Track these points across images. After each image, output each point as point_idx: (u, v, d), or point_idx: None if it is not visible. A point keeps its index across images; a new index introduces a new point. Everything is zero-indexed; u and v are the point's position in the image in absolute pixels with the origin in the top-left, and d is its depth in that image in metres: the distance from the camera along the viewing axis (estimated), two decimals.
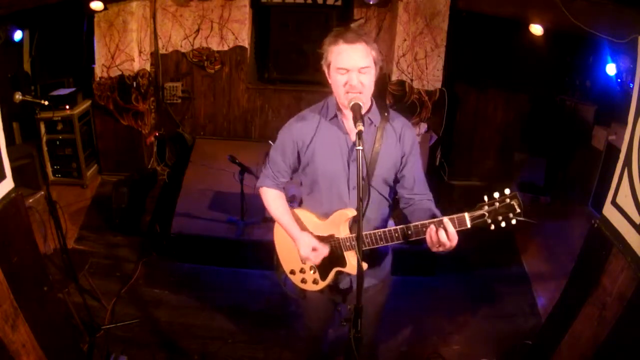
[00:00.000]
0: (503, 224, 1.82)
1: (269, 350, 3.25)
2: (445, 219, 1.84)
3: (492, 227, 1.83)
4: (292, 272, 2.27)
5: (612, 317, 2.13)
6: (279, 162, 2.19)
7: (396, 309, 3.57)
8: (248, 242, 4.06)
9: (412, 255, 3.84)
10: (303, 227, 2.17)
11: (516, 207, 1.79)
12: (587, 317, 2.33)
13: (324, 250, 2.10)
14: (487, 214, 1.81)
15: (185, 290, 3.80)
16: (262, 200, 2.27)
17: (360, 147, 1.76)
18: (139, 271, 3.94)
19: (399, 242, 2.00)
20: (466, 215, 1.83)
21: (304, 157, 2.13)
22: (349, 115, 2.03)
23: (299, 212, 2.22)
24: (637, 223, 2.03)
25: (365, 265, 1.97)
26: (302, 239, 2.12)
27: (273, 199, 2.23)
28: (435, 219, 1.89)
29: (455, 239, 1.85)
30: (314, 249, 2.09)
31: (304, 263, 2.21)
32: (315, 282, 2.21)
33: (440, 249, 1.88)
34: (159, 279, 3.91)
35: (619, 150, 2.26)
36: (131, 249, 4.24)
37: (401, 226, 1.96)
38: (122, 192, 4.36)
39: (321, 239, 2.12)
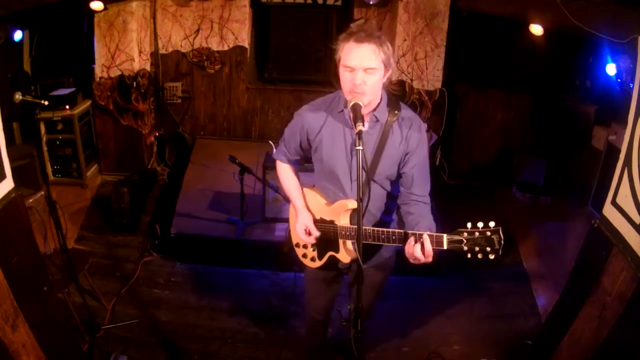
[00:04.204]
0: (480, 256, 1.82)
1: (269, 350, 3.24)
2: (424, 235, 1.87)
3: (469, 255, 1.83)
4: (297, 245, 2.41)
5: (612, 317, 2.13)
6: (290, 141, 2.30)
7: (396, 309, 3.57)
8: (248, 242, 4.06)
9: None
10: (311, 206, 2.29)
11: (495, 243, 1.79)
12: (587, 317, 2.33)
13: (316, 233, 2.23)
14: (465, 241, 1.82)
15: (185, 290, 3.79)
16: (277, 171, 2.45)
17: (360, 147, 1.76)
18: (139, 271, 3.93)
19: (387, 243, 2.04)
20: (445, 236, 1.86)
21: (313, 144, 2.21)
22: None
23: (312, 191, 2.32)
24: (637, 223, 2.03)
25: (349, 258, 2.14)
26: (301, 215, 2.27)
27: (284, 173, 2.40)
28: (416, 232, 1.91)
29: (430, 256, 1.87)
30: (306, 229, 2.24)
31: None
32: (313, 259, 2.36)
33: (415, 262, 1.91)
34: (159, 279, 3.90)
35: (619, 150, 2.26)
36: (131, 249, 4.23)
37: (389, 229, 2.03)
38: (122, 192, 4.35)
39: (323, 221, 2.23)
